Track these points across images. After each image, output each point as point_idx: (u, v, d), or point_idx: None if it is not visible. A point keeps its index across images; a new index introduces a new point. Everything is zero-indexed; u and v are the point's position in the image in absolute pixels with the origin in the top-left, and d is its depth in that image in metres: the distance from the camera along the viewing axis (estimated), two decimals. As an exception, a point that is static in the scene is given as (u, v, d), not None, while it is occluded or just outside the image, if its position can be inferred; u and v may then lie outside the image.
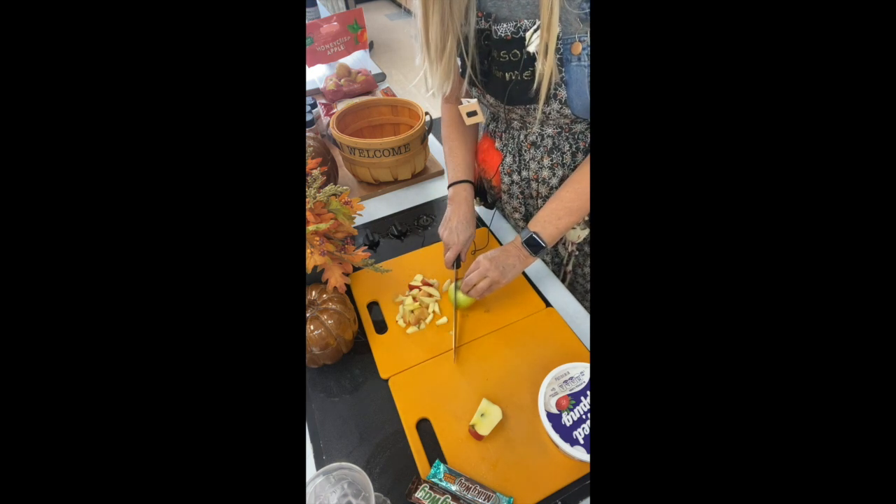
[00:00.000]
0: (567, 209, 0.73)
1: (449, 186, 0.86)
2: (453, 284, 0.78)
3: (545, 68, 0.63)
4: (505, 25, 0.66)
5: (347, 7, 3.81)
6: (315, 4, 1.87)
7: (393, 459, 0.61)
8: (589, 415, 0.59)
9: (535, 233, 0.73)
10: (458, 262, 0.81)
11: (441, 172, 1.11)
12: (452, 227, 0.81)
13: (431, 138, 1.13)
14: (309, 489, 0.49)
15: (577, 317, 0.78)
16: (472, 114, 0.80)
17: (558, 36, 0.62)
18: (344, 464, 0.49)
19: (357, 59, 1.64)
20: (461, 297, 0.76)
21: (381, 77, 1.53)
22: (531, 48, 0.64)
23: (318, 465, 0.62)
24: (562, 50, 0.63)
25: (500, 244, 0.92)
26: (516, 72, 0.68)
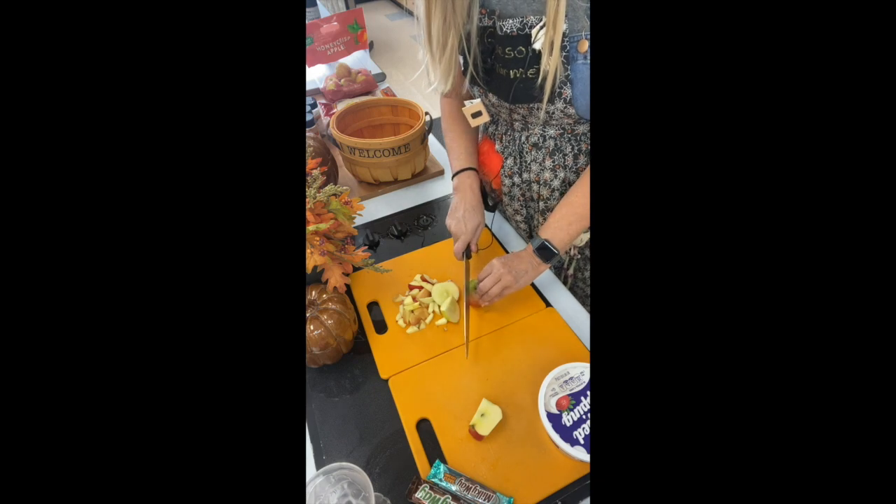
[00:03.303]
0: (578, 214, 0.72)
1: (453, 177, 0.86)
2: (465, 279, 0.78)
3: (550, 65, 0.63)
4: (510, 21, 0.65)
5: (347, 7, 3.81)
6: (315, 4, 1.87)
7: (393, 459, 0.61)
8: (589, 415, 0.59)
9: (546, 240, 0.72)
10: (468, 253, 0.80)
11: (441, 172, 1.11)
12: (459, 216, 0.80)
13: (431, 138, 1.13)
14: (309, 489, 0.49)
15: (577, 317, 0.78)
16: (477, 115, 0.80)
17: (564, 33, 0.61)
18: (344, 464, 0.49)
19: (357, 59, 1.64)
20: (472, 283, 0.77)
21: (381, 77, 1.53)
22: (537, 45, 0.64)
23: (318, 465, 0.62)
24: (568, 47, 0.63)
25: (502, 245, 0.92)
26: (521, 69, 0.67)
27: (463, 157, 0.86)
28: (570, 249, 0.87)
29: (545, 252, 0.73)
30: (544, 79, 0.64)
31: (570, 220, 0.72)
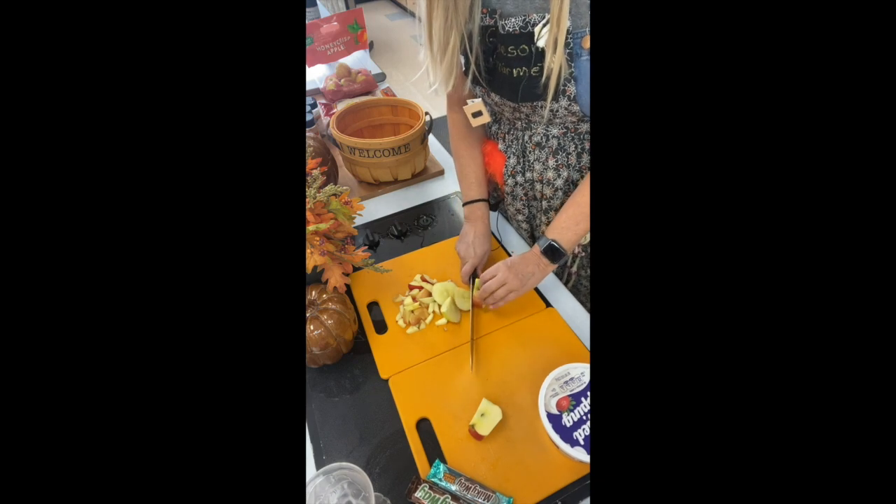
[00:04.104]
0: (585, 214, 0.72)
1: (464, 205, 0.87)
2: (471, 289, 0.79)
3: (554, 63, 0.63)
4: (513, 20, 0.65)
5: (347, 7, 3.81)
6: (315, 4, 1.87)
7: (393, 459, 0.61)
8: (589, 416, 0.59)
9: (553, 240, 0.73)
10: (473, 277, 0.81)
11: (441, 172, 1.11)
12: (469, 241, 0.82)
13: (431, 138, 1.13)
14: (309, 489, 0.49)
15: (577, 317, 0.78)
16: (477, 114, 0.79)
17: (568, 30, 0.61)
18: (344, 464, 0.49)
19: (357, 59, 1.64)
20: (466, 302, 0.77)
21: (381, 77, 1.53)
22: (540, 43, 0.63)
23: (318, 465, 0.62)
24: (572, 44, 0.63)
25: (502, 245, 0.92)
26: (525, 68, 0.67)
27: (474, 187, 0.87)
28: (574, 247, 0.87)
29: (553, 252, 0.73)
30: (548, 76, 0.64)
31: (577, 220, 0.72)
